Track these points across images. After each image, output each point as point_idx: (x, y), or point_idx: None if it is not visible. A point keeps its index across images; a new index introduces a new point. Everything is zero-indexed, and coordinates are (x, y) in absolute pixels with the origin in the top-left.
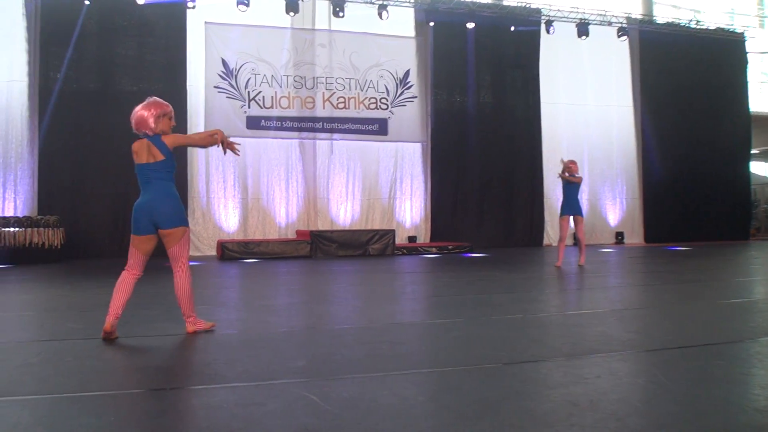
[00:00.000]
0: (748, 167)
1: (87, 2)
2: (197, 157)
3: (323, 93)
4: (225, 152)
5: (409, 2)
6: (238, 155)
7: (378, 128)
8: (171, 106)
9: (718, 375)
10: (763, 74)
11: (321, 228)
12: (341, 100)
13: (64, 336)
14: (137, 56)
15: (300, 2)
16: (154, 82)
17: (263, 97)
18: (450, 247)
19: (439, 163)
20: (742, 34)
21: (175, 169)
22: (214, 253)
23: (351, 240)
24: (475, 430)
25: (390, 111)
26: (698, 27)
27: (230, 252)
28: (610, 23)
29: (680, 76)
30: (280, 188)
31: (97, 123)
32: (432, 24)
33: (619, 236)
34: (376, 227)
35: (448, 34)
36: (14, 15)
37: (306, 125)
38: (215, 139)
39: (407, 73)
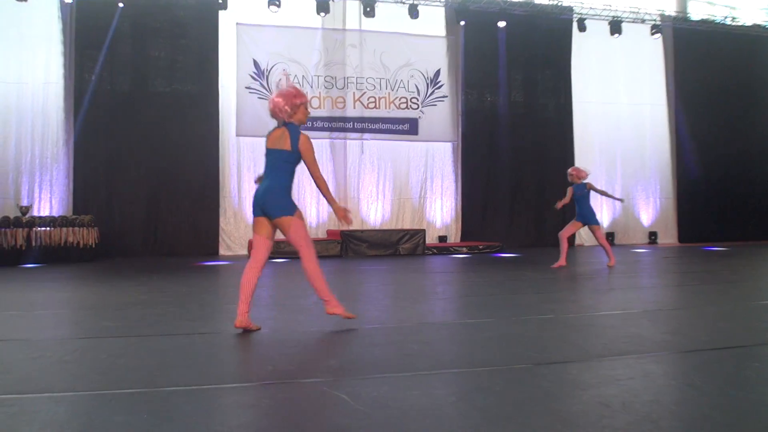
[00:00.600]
0: None
1: (121, 4)
2: (228, 156)
3: (354, 93)
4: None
5: (440, 1)
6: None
7: (408, 128)
8: (307, 96)
9: (753, 377)
10: None
11: (352, 228)
12: (372, 99)
13: (99, 334)
14: (170, 57)
15: (331, 2)
16: (186, 83)
17: None
18: (480, 247)
19: (470, 162)
20: None
21: (298, 162)
22: (245, 252)
23: (381, 240)
24: (505, 431)
25: (420, 111)
26: (734, 24)
27: None
28: (643, 21)
29: (715, 73)
30: (311, 188)
31: (131, 124)
32: (463, 23)
33: (653, 236)
34: (407, 227)
35: (479, 33)
36: (50, 18)
37: (337, 125)
38: (336, 207)
39: (438, 73)
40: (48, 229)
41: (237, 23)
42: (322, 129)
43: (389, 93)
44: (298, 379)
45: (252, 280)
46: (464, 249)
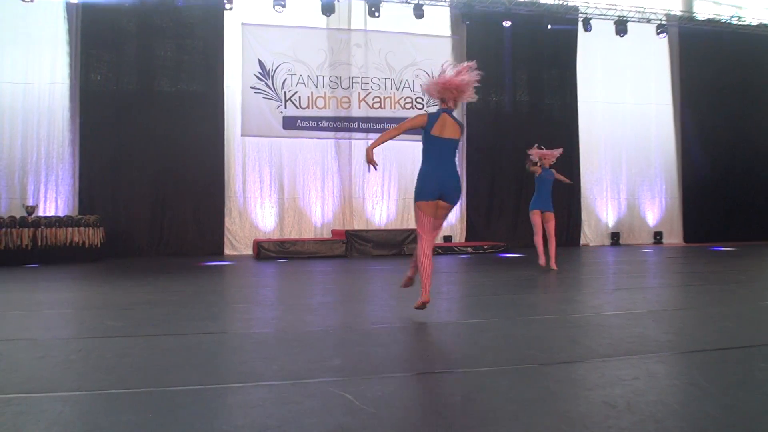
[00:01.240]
0: None
1: None
2: (234, 156)
3: (359, 93)
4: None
5: (445, 1)
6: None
7: None
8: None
9: (759, 378)
10: None
11: (356, 228)
12: (377, 99)
13: (104, 333)
14: (175, 57)
15: (336, 2)
16: (192, 82)
17: (299, 97)
18: (485, 247)
19: (475, 162)
20: None
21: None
22: (250, 252)
23: (386, 239)
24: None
25: (426, 110)
26: (740, 23)
27: (266, 251)
28: (648, 20)
29: (721, 73)
30: (315, 188)
31: (137, 124)
32: (468, 23)
33: (658, 236)
34: (412, 227)
35: (484, 33)
36: (56, 18)
37: (342, 125)
38: None
39: None
40: (53, 229)
41: (242, 23)
42: (327, 129)
43: (394, 93)
44: (303, 378)
45: (431, 258)
46: (469, 249)
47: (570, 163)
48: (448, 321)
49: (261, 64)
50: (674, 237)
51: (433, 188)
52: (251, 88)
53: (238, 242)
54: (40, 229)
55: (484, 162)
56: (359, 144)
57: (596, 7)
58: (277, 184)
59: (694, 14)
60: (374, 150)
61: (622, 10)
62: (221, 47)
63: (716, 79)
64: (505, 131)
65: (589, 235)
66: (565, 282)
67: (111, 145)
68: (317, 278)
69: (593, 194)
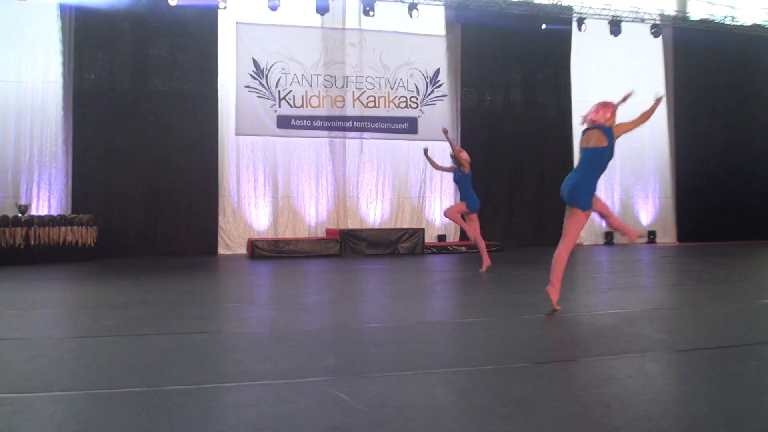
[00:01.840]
0: None
1: None
2: (228, 155)
3: (353, 92)
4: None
5: (440, 1)
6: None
7: (408, 127)
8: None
9: (752, 376)
10: None
11: (351, 227)
12: (371, 99)
13: (98, 333)
14: (169, 57)
15: (330, 2)
16: (186, 81)
17: (294, 96)
18: None
19: (469, 162)
20: None
21: (612, 158)
22: (244, 251)
23: (380, 239)
24: (505, 430)
25: (420, 110)
26: (734, 23)
27: (260, 250)
28: (643, 20)
29: (715, 73)
30: (310, 187)
31: (130, 122)
32: (462, 22)
33: (651, 235)
34: (406, 226)
35: (478, 33)
36: (49, 17)
37: (336, 124)
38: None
39: (437, 72)
40: (47, 228)
41: (237, 22)
42: (322, 128)
43: (389, 92)
44: (297, 378)
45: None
46: (463, 248)
47: (563, 163)
48: (443, 320)
49: (255, 63)
50: (668, 236)
51: (564, 194)
52: (245, 87)
53: (232, 241)
54: (33, 228)
55: (477, 161)
56: (353, 143)
57: (590, 7)
58: (271, 183)
59: (688, 14)
60: (367, 149)
61: (616, 10)
62: (215, 46)
63: (710, 79)
64: (499, 131)
65: (582, 234)
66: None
67: (104, 143)
68: (311, 277)
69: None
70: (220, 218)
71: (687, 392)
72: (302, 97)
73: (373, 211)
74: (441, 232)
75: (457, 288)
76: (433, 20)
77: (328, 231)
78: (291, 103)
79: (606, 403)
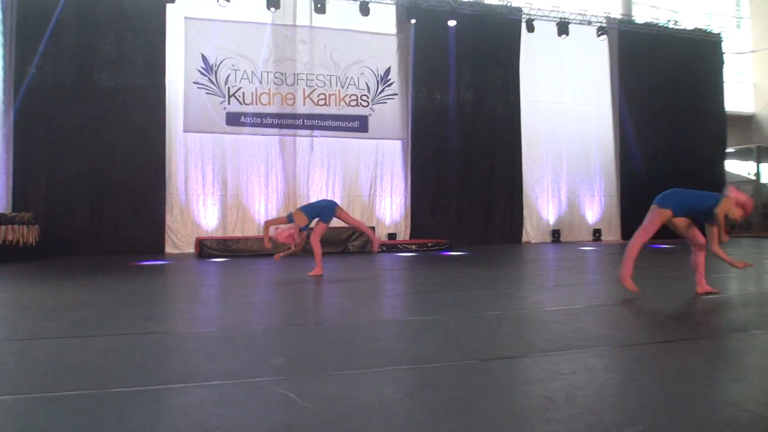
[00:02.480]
0: (723, 165)
1: None
2: (175, 152)
3: (304, 89)
4: None
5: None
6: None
7: (358, 125)
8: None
9: (692, 370)
10: (739, 74)
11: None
12: (322, 96)
13: (40, 335)
14: (116, 51)
15: None
16: (132, 77)
17: (243, 93)
18: (429, 245)
19: (419, 160)
20: (719, 34)
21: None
22: (192, 250)
23: (331, 237)
24: (453, 427)
25: (371, 108)
26: (676, 27)
27: (209, 249)
28: (589, 22)
29: (658, 75)
30: (259, 185)
31: (74, 118)
32: (413, 21)
33: (597, 233)
34: None
35: (429, 32)
36: None
37: (286, 122)
38: None
39: (388, 71)
40: None
41: (185, 17)
42: (272, 126)
43: (339, 90)
44: (245, 377)
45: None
46: (413, 246)
47: (512, 162)
48: (393, 318)
49: (204, 58)
50: (612, 234)
51: None
52: (194, 83)
53: (179, 240)
54: None
55: (428, 160)
56: (304, 141)
57: (539, 9)
58: (220, 181)
59: (633, 18)
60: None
61: (564, 12)
62: (163, 41)
63: (654, 81)
64: (450, 129)
65: (530, 232)
66: (507, 279)
67: (47, 140)
68: (261, 276)
69: (535, 192)
70: (168, 217)
71: (629, 386)
72: (252, 94)
73: None
74: (392, 231)
75: (407, 286)
76: (384, 19)
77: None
78: (240, 100)
79: (551, 398)
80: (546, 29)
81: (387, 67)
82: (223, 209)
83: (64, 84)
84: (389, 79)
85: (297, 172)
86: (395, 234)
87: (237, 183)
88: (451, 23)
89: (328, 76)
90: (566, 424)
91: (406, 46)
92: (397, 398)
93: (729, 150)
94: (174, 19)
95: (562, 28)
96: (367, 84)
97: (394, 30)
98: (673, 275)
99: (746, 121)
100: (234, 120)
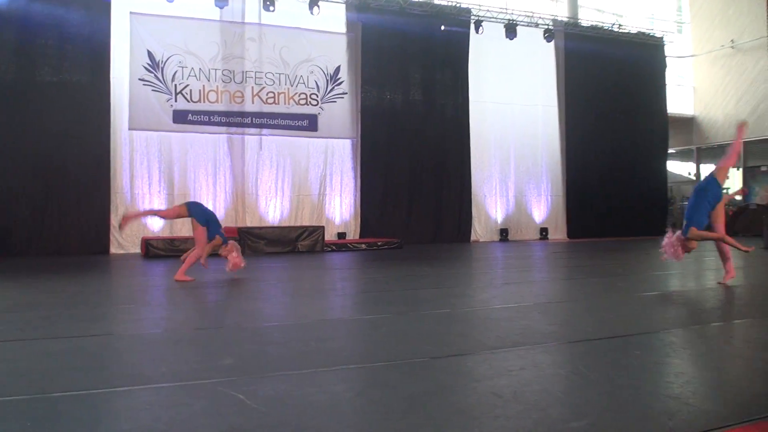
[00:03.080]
0: (665, 166)
1: None
2: (121, 150)
3: (252, 87)
4: None
5: None
6: None
7: (308, 124)
8: None
9: (635, 364)
10: (680, 77)
11: (249, 225)
12: (271, 95)
13: None
14: (58, 46)
15: None
16: (76, 73)
17: (190, 90)
18: (379, 243)
19: (369, 159)
20: (661, 38)
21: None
22: (138, 250)
23: (280, 236)
24: (403, 425)
25: (320, 107)
26: (620, 31)
27: (155, 249)
28: (537, 25)
29: (603, 77)
30: (207, 184)
31: (15, 114)
32: (363, 21)
33: (544, 232)
34: (306, 224)
35: (378, 31)
36: None
37: (234, 120)
38: None
39: (338, 69)
40: None
41: (130, 12)
42: (220, 124)
43: (288, 88)
44: (193, 379)
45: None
46: (363, 245)
47: (461, 162)
48: (343, 317)
49: (150, 55)
50: (559, 233)
51: None
52: (140, 80)
53: (125, 240)
54: None
55: (378, 159)
56: (252, 140)
57: (488, 10)
58: (166, 180)
59: (579, 21)
60: (266, 146)
61: (512, 13)
62: (108, 36)
63: (599, 83)
64: (399, 129)
65: (479, 231)
66: (456, 277)
67: None
68: (208, 276)
69: (483, 192)
70: (112, 216)
71: (575, 381)
72: (200, 91)
73: (273, 209)
74: (341, 230)
75: (357, 285)
76: (333, 18)
77: (226, 229)
78: (188, 97)
79: (499, 395)
80: (494, 31)
81: (337, 65)
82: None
83: (4, 80)
84: (339, 78)
85: (245, 171)
86: (345, 233)
87: (184, 182)
88: (401, 23)
89: (278, 75)
90: (514, 420)
91: (356, 45)
92: (347, 397)
93: (670, 151)
94: (119, 14)
95: (510, 29)
96: (316, 83)
97: (343, 29)
98: (617, 272)
99: (687, 123)
100: (181, 118)
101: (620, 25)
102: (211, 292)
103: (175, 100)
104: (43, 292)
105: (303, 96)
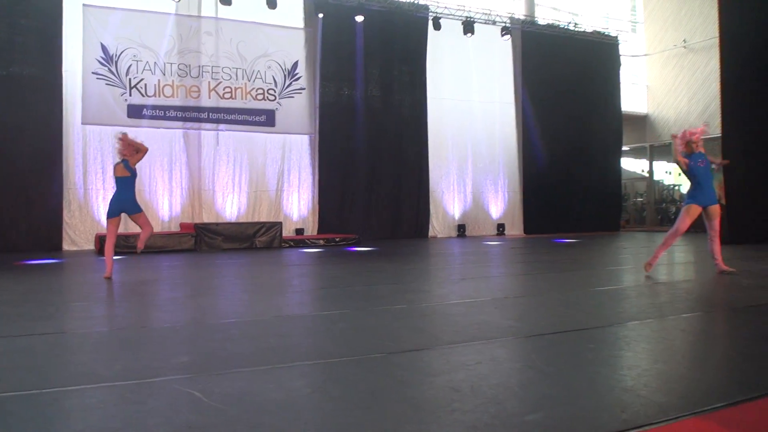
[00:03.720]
0: (619, 163)
1: None
2: (73, 145)
3: (209, 82)
4: None
5: None
6: None
7: (265, 119)
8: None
9: (589, 358)
10: (634, 76)
11: (206, 221)
12: (227, 90)
13: None
14: (7, 38)
15: None
16: (26, 65)
17: (145, 84)
18: (337, 240)
19: (327, 155)
20: (616, 37)
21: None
22: (91, 246)
23: (237, 233)
24: (361, 420)
25: (278, 102)
26: (576, 29)
27: None
28: (494, 22)
29: (559, 75)
30: (163, 180)
31: None
32: (321, 16)
33: (501, 228)
34: (263, 220)
35: (337, 27)
36: None
37: (191, 115)
38: None
39: (295, 65)
40: None
41: (83, 4)
42: (176, 119)
43: (246, 83)
44: (148, 377)
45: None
46: (321, 242)
47: (419, 158)
48: (300, 314)
49: (104, 48)
50: (515, 229)
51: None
52: (93, 73)
53: (78, 237)
54: None
55: (336, 155)
56: (209, 135)
57: (446, 7)
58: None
59: (535, 19)
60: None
61: (469, 11)
62: (60, 29)
63: (555, 81)
64: (358, 125)
65: (437, 227)
66: (413, 273)
67: None
68: (164, 273)
69: (441, 188)
70: (65, 212)
71: (531, 375)
72: (155, 86)
73: (230, 205)
74: (299, 226)
75: (315, 281)
76: (291, 13)
77: (182, 225)
78: (143, 92)
79: (456, 389)
80: (452, 28)
81: (294, 61)
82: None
83: None
84: (297, 74)
85: (202, 167)
86: (303, 229)
87: (139, 177)
88: (359, 19)
89: (234, 69)
90: (471, 414)
91: (314, 41)
92: (304, 393)
93: (625, 148)
94: (71, 5)
95: (468, 27)
96: (274, 78)
97: (301, 24)
98: (571, 267)
99: (640, 121)
100: (136, 112)
101: (576, 24)
102: (167, 289)
103: (130, 95)
104: None
105: (260, 91)
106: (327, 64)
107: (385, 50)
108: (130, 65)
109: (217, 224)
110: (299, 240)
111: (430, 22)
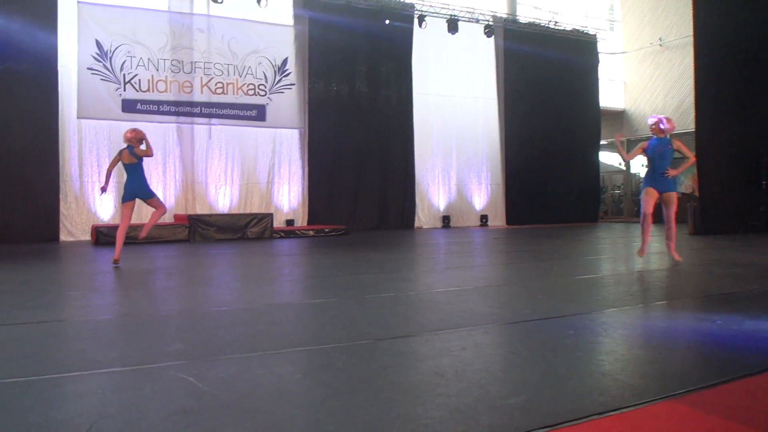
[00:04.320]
0: (597, 156)
1: None
2: (69, 139)
3: (201, 78)
4: None
5: None
6: None
7: (256, 114)
8: None
9: (569, 344)
10: (612, 73)
11: (199, 212)
12: (219, 85)
13: None
14: (3, 35)
15: None
16: (22, 62)
17: (139, 80)
18: (326, 230)
19: (316, 149)
20: (595, 35)
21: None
22: (88, 237)
23: (229, 223)
24: (349, 405)
25: (268, 97)
26: (556, 27)
27: (105, 236)
28: (477, 21)
29: (539, 72)
30: (157, 173)
31: None
32: (310, 13)
33: (484, 219)
34: (255, 211)
35: (325, 24)
36: None
37: (183, 110)
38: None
39: (285, 61)
40: None
41: (78, 1)
42: (169, 113)
43: (237, 79)
44: (143, 364)
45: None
46: (311, 232)
47: (405, 151)
48: (291, 302)
49: (99, 44)
50: (498, 220)
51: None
52: (88, 69)
53: (74, 227)
54: None
55: (325, 149)
56: (201, 129)
57: (430, 6)
58: (116, 169)
59: (517, 17)
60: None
61: (453, 9)
62: (55, 25)
63: (536, 77)
64: (346, 119)
65: (422, 218)
66: (400, 262)
67: None
68: (159, 263)
69: (426, 180)
70: (62, 204)
71: (513, 360)
72: (148, 81)
73: (222, 197)
74: (289, 217)
75: (305, 270)
76: (281, 10)
77: (176, 216)
78: (137, 87)
79: (441, 374)
80: (437, 25)
81: (284, 57)
82: (120, 196)
83: None
84: (286, 70)
85: (195, 161)
86: (293, 220)
87: None
88: (347, 16)
89: (226, 65)
90: (455, 398)
91: (303, 38)
92: (294, 379)
93: (603, 142)
94: (66, 2)
95: (452, 25)
96: (264, 74)
97: (291, 21)
98: (552, 257)
99: (618, 116)
100: (130, 107)
101: (556, 22)
102: (161, 279)
103: (124, 90)
104: None
105: (251, 87)
106: (316, 60)
107: (372, 47)
108: (125, 61)
109: (210, 215)
110: (290, 231)
111: (416, 20)
